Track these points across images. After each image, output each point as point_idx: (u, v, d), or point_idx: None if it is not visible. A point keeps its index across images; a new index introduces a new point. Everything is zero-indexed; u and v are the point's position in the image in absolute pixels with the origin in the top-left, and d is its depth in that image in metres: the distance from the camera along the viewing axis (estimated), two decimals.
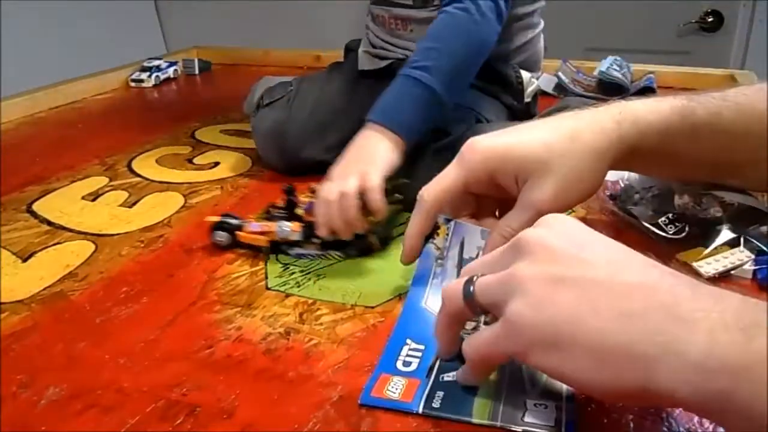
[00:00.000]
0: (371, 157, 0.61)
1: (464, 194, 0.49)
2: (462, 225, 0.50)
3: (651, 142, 0.46)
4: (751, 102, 0.46)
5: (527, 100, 0.85)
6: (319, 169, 0.74)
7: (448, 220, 0.50)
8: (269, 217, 0.63)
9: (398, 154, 0.63)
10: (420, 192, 0.49)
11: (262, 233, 0.61)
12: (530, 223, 0.43)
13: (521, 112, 0.85)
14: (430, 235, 0.50)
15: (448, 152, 0.66)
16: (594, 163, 0.45)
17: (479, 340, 0.37)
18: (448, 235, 0.50)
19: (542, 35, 0.89)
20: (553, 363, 0.33)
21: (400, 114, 0.65)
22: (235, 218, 0.62)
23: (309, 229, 0.59)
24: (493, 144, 0.47)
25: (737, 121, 0.45)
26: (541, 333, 0.32)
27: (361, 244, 0.60)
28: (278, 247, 0.61)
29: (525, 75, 0.84)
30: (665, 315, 0.30)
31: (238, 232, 0.62)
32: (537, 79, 0.88)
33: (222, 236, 0.62)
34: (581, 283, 0.32)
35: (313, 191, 0.62)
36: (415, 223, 0.49)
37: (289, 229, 0.60)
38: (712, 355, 0.28)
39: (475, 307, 0.37)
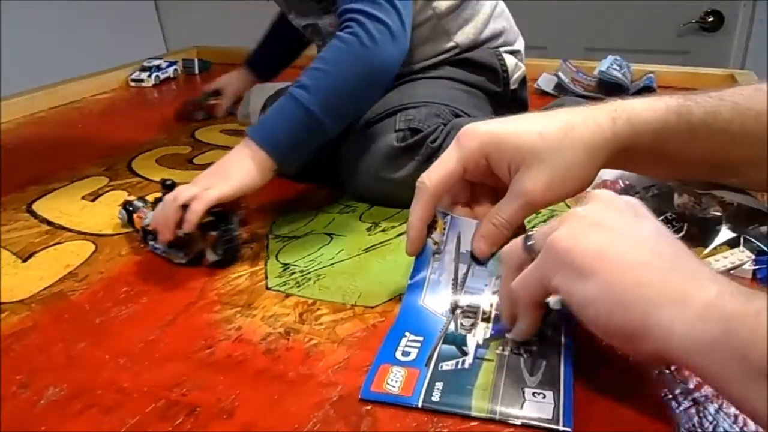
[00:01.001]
0: (228, 174, 0.61)
1: (462, 181, 0.49)
2: (459, 219, 0.50)
3: (646, 141, 0.46)
4: (748, 101, 0.46)
5: (514, 86, 0.84)
6: (325, 174, 0.75)
7: (444, 215, 0.50)
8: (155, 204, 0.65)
9: (261, 175, 0.62)
10: (419, 179, 0.48)
11: (138, 217, 0.65)
12: (520, 212, 0.46)
13: (508, 98, 0.84)
14: (428, 229, 0.50)
15: (419, 149, 0.67)
16: (587, 157, 0.45)
17: (524, 274, 0.40)
18: (445, 229, 0.50)
19: (505, 11, 0.88)
20: (572, 289, 0.36)
21: (274, 132, 0.63)
22: (145, 202, 0.67)
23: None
24: (490, 129, 0.47)
25: (734, 121, 0.45)
26: (570, 259, 0.36)
27: (190, 251, 0.60)
28: (146, 236, 0.63)
29: (510, 61, 0.83)
30: (681, 275, 0.34)
31: (135, 215, 0.66)
32: (519, 57, 0.87)
33: (122, 215, 0.68)
34: (618, 232, 0.37)
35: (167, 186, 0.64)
36: (417, 210, 0.48)
37: (150, 219, 0.62)
38: (714, 307, 0.31)
39: (536, 254, 0.40)
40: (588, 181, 0.46)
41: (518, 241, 0.42)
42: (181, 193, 0.59)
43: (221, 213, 0.60)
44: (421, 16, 0.79)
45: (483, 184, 0.50)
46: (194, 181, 0.61)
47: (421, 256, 0.50)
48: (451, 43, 0.82)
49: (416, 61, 0.81)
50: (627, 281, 0.34)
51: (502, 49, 0.84)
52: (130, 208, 0.67)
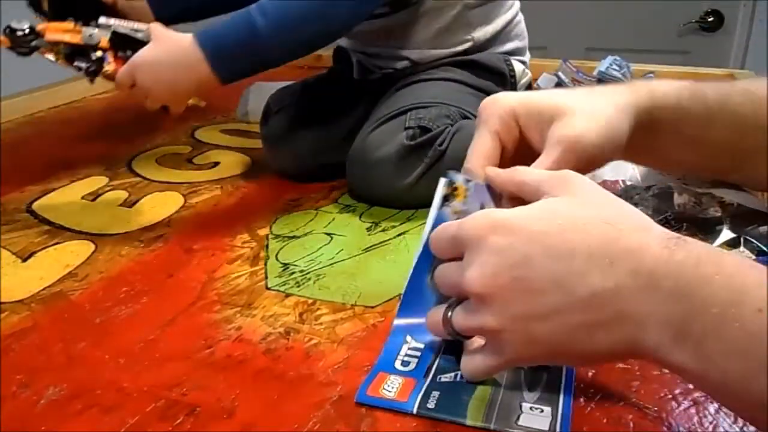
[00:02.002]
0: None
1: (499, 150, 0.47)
2: (483, 187, 0.45)
3: (667, 116, 0.46)
4: (758, 88, 0.47)
5: (521, 91, 0.85)
6: (328, 174, 0.75)
7: (467, 181, 0.45)
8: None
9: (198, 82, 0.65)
10: (465, 167, 0.46)
11: (68, 32, 0.63)
12: (560, 160, 0.43)
13: None
14: (447, 197, 0.45)
15: (428, 149, 0.67)
16: (616, 112, 0.45)
17: (476, 358, 0.39)
18: (467, 197, 0.45)
19: (522, 24, 0.89)
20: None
21: (219, 37, 0.64)
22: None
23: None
24: (517, 97, 0.47)
25: (745, 105, 0.46)
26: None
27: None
28: (73, 55, 0.64)
29: (518, 67, 0.84)
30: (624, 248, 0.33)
31: (43, 29, 0.63)
32: (526, 64, 0.88)
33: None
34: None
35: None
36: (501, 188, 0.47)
37: (96, 38, 0.63)
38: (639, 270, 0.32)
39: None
40: (618, 138, 0.45)
41: (438, 316, 0.40)
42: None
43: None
44: (451, 1, 0.79)
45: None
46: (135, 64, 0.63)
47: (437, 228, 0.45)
48: (468, 38, 0.82)
49: (435, 48, 0.81)
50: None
51: (512, 58, 0.84)
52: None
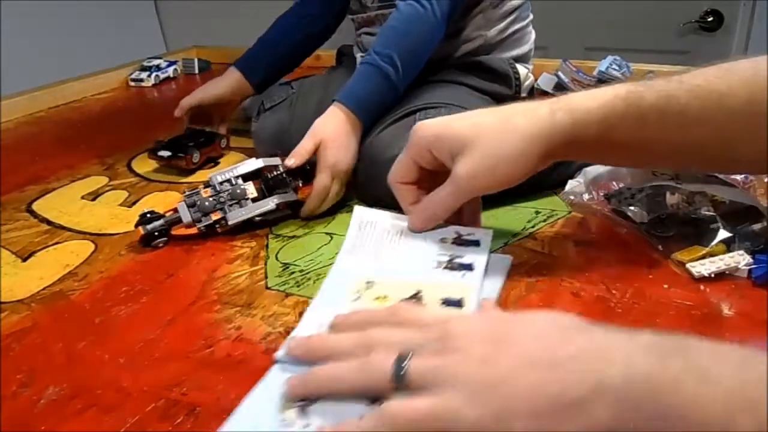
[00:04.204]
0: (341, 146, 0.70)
1: (419, 170, 0.52)
2: (363, 210, 0.56)
3: (590, 131, 0.46)
4: (710, 84, 0.45)
5: (524, 95, 0.86)
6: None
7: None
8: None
9: (356, 136, 0.71)
10: (388, 178, 0.54)
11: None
12: (451, 196, 0.50)
13: None
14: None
15: None
16: (523, 146, 0.47)
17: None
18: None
19: (532, 28, 0.90)
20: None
21: (360, 96, 0.72)
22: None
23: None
24: (433, 124, 0.51)
25: (691, 104, 0.45)
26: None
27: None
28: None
29: (522, 70, 0.85)
30: (582, 358, 0.31)
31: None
32: (529, 68, 0.89)
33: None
34: (511, 352, 0.33)
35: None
36: (402, 202, 0.54)
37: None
38: (631, 382, 0.29)
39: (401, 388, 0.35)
40: (526, 170, 0.48)
41: (384, 364, 0.35)
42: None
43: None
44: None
45: (438, 172, 0.52)
46: (322, 159, 0.68)
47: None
48: (481, 34, 0.82)
49: (447, 44, 0.82)
50: (545, 395, 0.31)
51: (517, 64, 0.85)
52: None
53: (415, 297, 0.46)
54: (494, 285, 0.51)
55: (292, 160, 0.67)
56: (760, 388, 0.27)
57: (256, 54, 0.93)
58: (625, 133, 0.46)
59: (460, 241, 0.53)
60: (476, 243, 0.52)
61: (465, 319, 0.39)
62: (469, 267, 0.49)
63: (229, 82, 0.92)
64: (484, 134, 0.48)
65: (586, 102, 0.47)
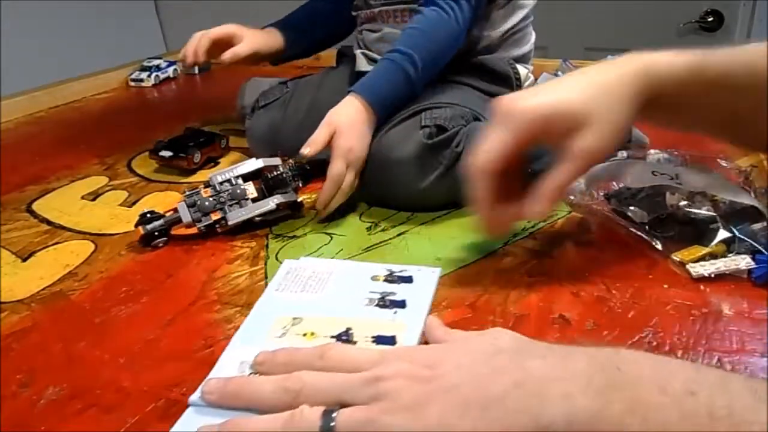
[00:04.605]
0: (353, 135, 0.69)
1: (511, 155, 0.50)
2: (292, 261, 0.57)
3: (668, 89, 0.48)
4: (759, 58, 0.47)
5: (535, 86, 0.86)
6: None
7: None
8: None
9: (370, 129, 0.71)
10: (469, 161, 0.50)
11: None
12: (574, 173, 0.48)
13: None
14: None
15: (445, 149, 0.67)
16: (626, 110, 0.48)
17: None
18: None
19: (532, 29, 0.90)
20: None
21: (379, 90, 0.72)
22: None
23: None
24: (536, 103, 0.49)
25: (744, 76, 0.47)
26: None
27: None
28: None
29: (522, 71, 0.85)
30: (521, 393, 0.31)
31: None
32: (529, 70, 0.88)
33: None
34: (442, 394, 0.32)
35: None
36: (476, 196, 0.50)
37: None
38: (575, 423, 0.29)
39: None
40: (628, 131, 0.51)
41: (312, 417, 0.34)
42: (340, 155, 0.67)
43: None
44: None
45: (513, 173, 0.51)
46: (336, 147, 0.67)
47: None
48: (485, 34, 0.83)
49: (466, 42, 0.82)
50: None
51: (518, 65, 0.85)
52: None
53: (346, 334, 0.46)
54: (424, 299, 0.50)
55: (308, 149, 0.66)
56: (709, 425, 0.27)
57: (291, 22, 0.95)
58: (696, 97, 0.48)
59: (391, 279, 0.53)
60: (408, 279, 0.52)
61: (394, 357, 0.36)
62: (401, 304, 0.49)
63: (269, 36, 0.93)
64: (595, 108, 0.47)
65: (664, 61, 0.49)
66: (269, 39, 0.93)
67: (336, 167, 0.66)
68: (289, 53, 0.94)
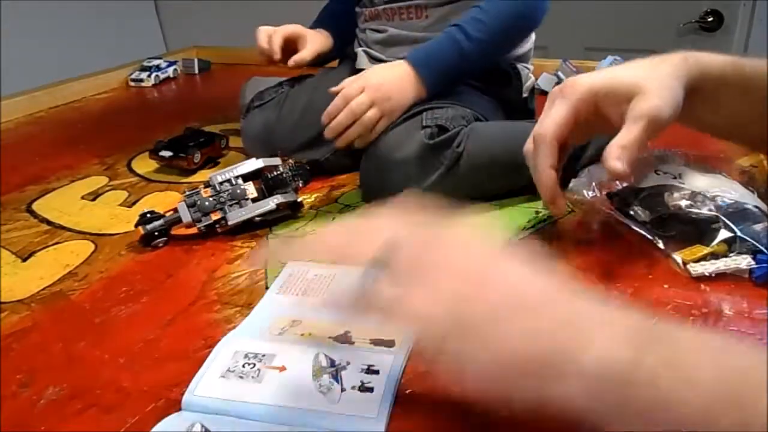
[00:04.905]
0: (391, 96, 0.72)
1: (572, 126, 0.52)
2: (297, 263, 0.56)
3: (710, 83, 0.51)
4: None
5: (525, 95, 0.86)
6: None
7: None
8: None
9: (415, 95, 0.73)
10: (535, 131, 0.52)
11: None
12: (644, 132, 0.48)
13: (519, 106, 0.86)
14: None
15: (446, 149, 0.67)
16: (677, 85, 0.50)
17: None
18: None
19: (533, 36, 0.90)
20: (461, 360, 0.32)
21: (432, 62, 0.74)
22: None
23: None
24: (596, 78, 0.52)
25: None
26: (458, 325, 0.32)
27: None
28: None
29: (522, 71, 0.85)
30: (563, 331, 0.31)
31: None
32: (529, 69, 0.89)
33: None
34: (491, 300, 0.33)
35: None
36: (543, 160, 0.51)
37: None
38: (607, 368, 0.29)
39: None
40: (680, 106, 0.50)
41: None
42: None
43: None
44: None
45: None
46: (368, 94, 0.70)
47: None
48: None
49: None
50: (513, 356, 0.31)
51: (518, 64, 0.85)
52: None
53: (344, 335, 0.46)
54: None
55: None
56: (742, 386, 0.27)
57: (326, 22, 0.94)
58: (733, 93, 0.51)
59: None
60: None
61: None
62: None
63: (324, 38, 0.92)
64: (650, 80, 0.50)
65: (708, 59, 0.51)
66: (325, 41, 0.91)
67: (359, 97, 0.70)
68: (334, 54, 0.93)
